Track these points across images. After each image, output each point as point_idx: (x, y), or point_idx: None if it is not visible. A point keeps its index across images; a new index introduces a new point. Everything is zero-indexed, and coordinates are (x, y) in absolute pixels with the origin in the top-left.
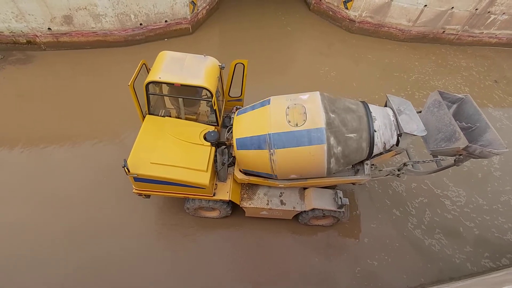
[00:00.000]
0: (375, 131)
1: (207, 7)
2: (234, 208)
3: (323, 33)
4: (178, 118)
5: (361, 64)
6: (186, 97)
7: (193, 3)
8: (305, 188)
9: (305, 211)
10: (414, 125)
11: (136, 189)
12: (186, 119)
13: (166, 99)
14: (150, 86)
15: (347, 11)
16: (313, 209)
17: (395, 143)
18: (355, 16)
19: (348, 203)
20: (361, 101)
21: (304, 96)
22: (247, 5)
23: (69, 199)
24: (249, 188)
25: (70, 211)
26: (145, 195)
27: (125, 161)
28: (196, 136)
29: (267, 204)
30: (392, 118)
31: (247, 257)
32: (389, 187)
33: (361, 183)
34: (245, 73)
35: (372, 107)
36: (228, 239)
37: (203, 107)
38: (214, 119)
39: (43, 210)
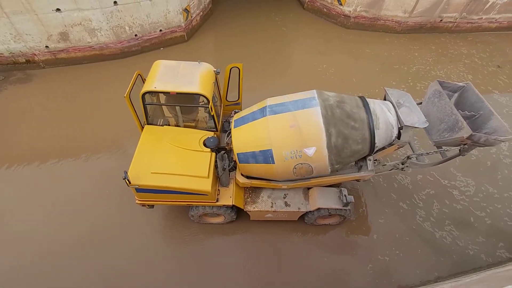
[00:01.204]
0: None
1: (201, 13)
2: (239, 212)
3: (319, 31)
4: (177, 126)
5: (360, 59)
6: (183, 105)
7: (187, 11)
8: (309, 188)
9: (310, 211)
10: (415, 117)
11: (139, 200)
12: (185, 126)
13: (164, 108)
14: (146, 96)
15: (341, 7)
16: (318, 209)
17: (396, 136)
18: (350, 11)
19: (353, 201)
20: (359, 97)
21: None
22: (240, 8)
23: (74, 211)
24: (252, 192)
25: (75, 223)
26: (148, 205)
27: (126, 173)
28: (196, 143)
29: (272, 206)
30: (392, 112)
31: (256, 261)
32: (394, 181)
33: (365, 179)
34: (241, 77)
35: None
36: (235, 245)
37: (202, 113)
38: (213, 124)
39: (50, 223)
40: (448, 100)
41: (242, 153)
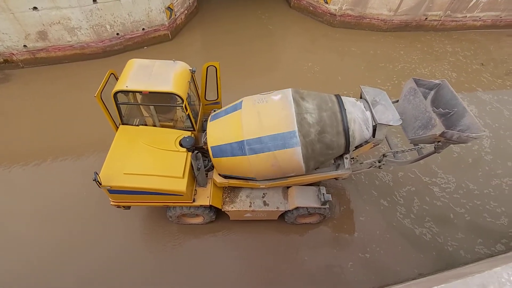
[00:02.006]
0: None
1: (185, 12)
2: (219, 212)
3: (305, 29)
4: (154, 126)
5: (346, 58)
6: (155, 104)
7: (170, 9)
8: (288, 187)
9: (289, 210)
10: (389, 115)
11: (113, 202)
12: (163, 126)
13: (142, 107)
14: (119, 95)
15: (327, 5)
16: (297, 208)
17: (371, 134)
18: (336, 9)
19: (331, 199)
20: (334, 95)
21: (276, 97)
22: (226, 7)
23: (54, 214)
24: (231, 191)
25: (55, 226)
26: (124, 206)
27: (96, 174)
28: (172, 143)
29: (250, 206)
30: (367, 110)
31: (236, 261)
32: (375, 178)
33: (343, 177)
34: (219, 76)
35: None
36: (215, 245)
37: (179, 113)
38: (190, 124)
39: (29, 226)
40: (422, 97)
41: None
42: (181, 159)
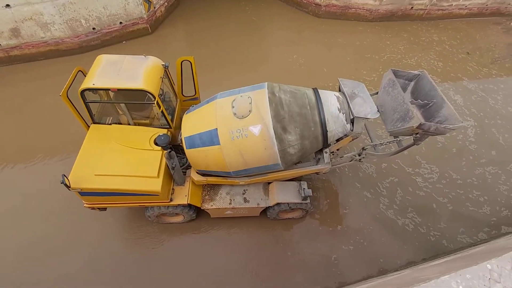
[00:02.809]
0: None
1: (165, 4)
2: (201, 210)
3: (291, 20)
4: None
5: (332, 49)
6: (126, 102)
7: (148, 1)
8: (269, 183)
9: (270, 206)
10: (367, 107)
11: (86, 204)
12: (139, 124)
13: (115, 104)
14: (86, 93)
15: None
16: (278, 204)
17: (349, 128)
18: (321, 0)
19: (311, 194)
20: (312, 89)
21: (255, 129)
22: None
23: (27, 216)
24: (210, 189)
25: (28, 229)
26: (99, 208)
27: (64, 176)
28: (146, 141)
29: (230, 203)
30: (344, 103)
31: (219, 258)
32: (359, 170)
33: (324, 172)
34: (194, 70)
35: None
36: (198, 243)
37: (156, 110)
38: (165, 121)
39: (5, 226)
40: (400, 89)
41: (188, 136)
42: (156, 158)
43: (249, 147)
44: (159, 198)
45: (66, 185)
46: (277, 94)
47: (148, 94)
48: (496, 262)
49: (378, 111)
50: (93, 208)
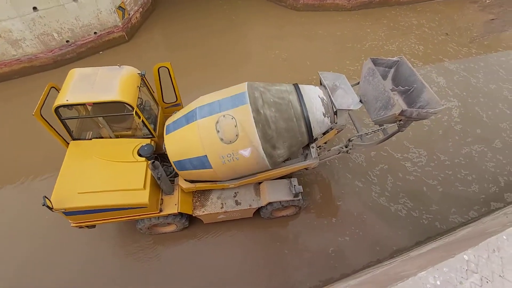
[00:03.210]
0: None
1: (141, 9)
2: (194, 217)
3: (270, 16)
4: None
5: (313, 41)
6: (103, 116)
7: (122, 9)
8: (260, 183)
9: (263, 206)
10: (349, 99)
11: (73, 223)
12: (122, 136)
13: (94, 118)
14: (62, 110)
15: None
16: (270, 203)
17: (333, 121)
18: None
19: (302, 190)
20: (293, 84)
21: (245, 152)
22: (185, 1)
23: (15, 239)
24: (201, 195)
25: (16, 252)
26: (88, 226)
27: (45, 198)
28: (129, 153)
29: (222, 207)
30: (325, 96)
31: (216, 263)
32: (349, 160)
33: (312, 167)
34: (173, 76)
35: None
36: (195, 250)
37: (137, 120)
38: (148, 131)
39: None
40: (380, 78)
41: (177, 161)
42: (141, 169)
43: (242, 166)
44: (148, 210)
45: (48, 207)
46: (261, 111)
47: (126, 105)
48: (472, 252)
49: (360, 101)
50: (81, 227)
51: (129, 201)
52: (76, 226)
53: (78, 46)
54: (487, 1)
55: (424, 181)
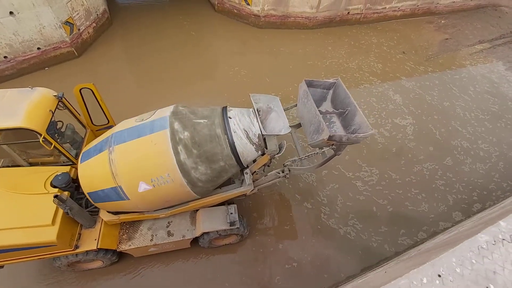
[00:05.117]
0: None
1: (94, 25)
2: None
3: (232, 32)
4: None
5: (275, 58)
6: (6, 143)
7: (69, 24)
8: (196, 210)
9: (198, 236)
10: (280, 123)
11: None
12: (43, 163)
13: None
14: None
15: (249, 7)
16: (206, 233)
17: (264, 146)
18: (259, 10)
19: (237, 219)
20: (221, 108)
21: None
22: (144, 16)
23: None
24: (130, 226)
25: None
26: None
27: None
28: (41, 184)
29: (152, 239)
30: (254, 121)
31: None
32: (299, 180)
33: (248, 193)
34: (99, 97)
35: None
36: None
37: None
38: (66, 158)
39: None
40: (312, 101)
41: (91, 192)
42: (51, 202)
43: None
44: (58, 248)
45: None
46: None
47: (31, 131)
48: (407, 280)
49: (290, 126)
50: None
51: (34, 240)
52: None
53: (18, 62)
54: (442, 22)
55: (374, 200)
